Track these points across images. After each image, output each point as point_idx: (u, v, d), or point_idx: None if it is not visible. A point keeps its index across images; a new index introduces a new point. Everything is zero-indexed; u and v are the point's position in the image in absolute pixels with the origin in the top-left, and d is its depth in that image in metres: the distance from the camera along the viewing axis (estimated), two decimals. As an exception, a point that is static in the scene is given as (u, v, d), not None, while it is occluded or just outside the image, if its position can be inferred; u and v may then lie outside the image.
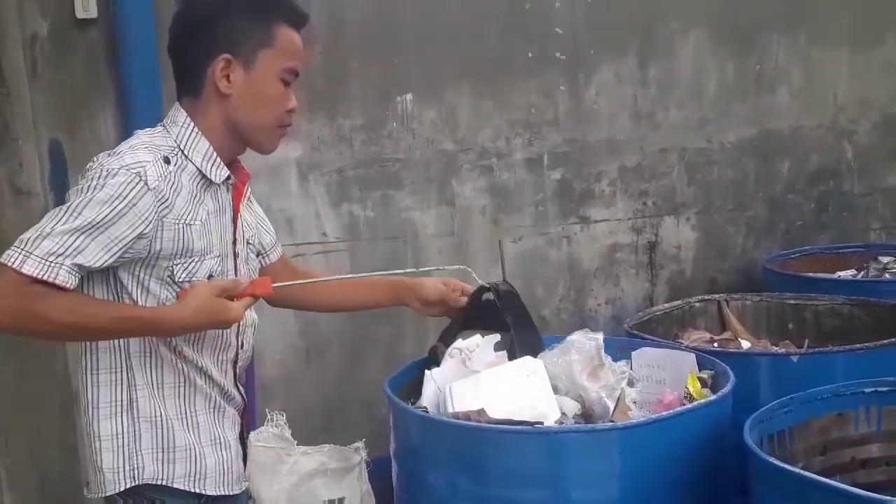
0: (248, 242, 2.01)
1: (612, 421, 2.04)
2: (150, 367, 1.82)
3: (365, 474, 2.57)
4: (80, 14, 2.86)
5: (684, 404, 2.12)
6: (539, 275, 3.55)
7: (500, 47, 3.42)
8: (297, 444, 2.54)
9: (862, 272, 3.65)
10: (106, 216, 1.67)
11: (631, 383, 2.22)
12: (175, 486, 1.83)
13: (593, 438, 1.95)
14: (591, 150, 3.59)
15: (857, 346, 2.52)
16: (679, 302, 3.21)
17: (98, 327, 1.72)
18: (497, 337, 2.23)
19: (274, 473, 2.14)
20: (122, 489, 1.81)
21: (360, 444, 2.60)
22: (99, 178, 1.70)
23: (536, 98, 3.48)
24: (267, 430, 2.21)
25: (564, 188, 3.56)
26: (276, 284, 1.91)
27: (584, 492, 1.94)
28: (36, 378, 2.96)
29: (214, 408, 1.90)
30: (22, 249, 1.64)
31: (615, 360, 2.29)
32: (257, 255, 2.10)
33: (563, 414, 2.04)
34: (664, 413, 2.04)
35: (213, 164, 1.84)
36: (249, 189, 2.03)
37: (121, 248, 1.70)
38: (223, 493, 1.89)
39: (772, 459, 1.77)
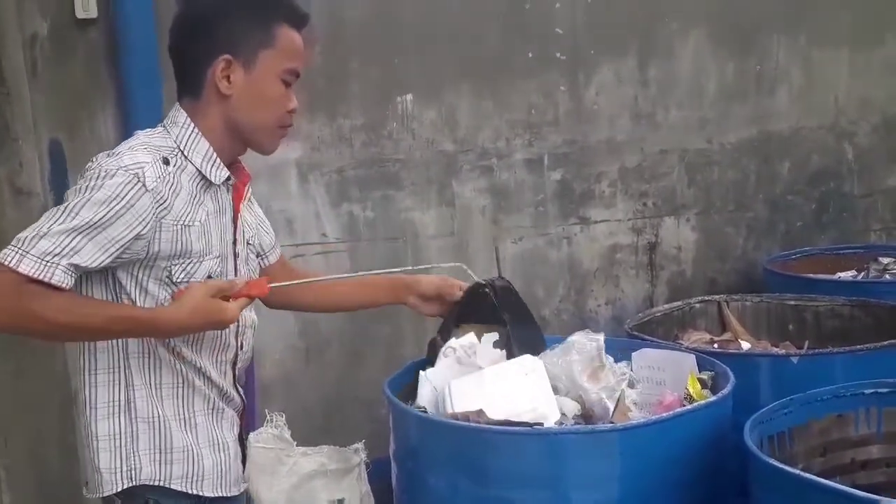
0: (248, 243, 2.01)
1: (611, 422, 2.04)
2: (149, 368, 1.82)
3: (364, 475, 2.57)
4: (80, 14, 2.86)
5: (684, 405, 2.12)
6: (539, 275, 3.55)
7: (500, 47, 3.42)
8: (297, 445, 2.54)
9: (862, 273, 3.64)
10: (103, 217, 1.67)
11: (631, 385, 2.22)
12: (172, 487, 1.83)
13: (593, 439, 1.95)
14: (592, 151, 3.59)
15: (858, 347, 2.52)
16: (679, 303, 3.20)
17: (93, 327, 1.72)
18: (496, 336, 2.22)
19: (273, 474, 2.13)
20: (119, 489, 1.81)
21: (359, 444, 2.60)
22: (97, 178, 1.70)
23: (536, 98, 3.48)
24: (266, 431, 2.20)
25: (564, 189, 3.56)
26: (271, 285, 1.91)
27: (583, 493, 1.93)
28: (35, 378, 2.96)
29: (213, 409, 1.90)
30: (19, 248, 1.64)
31: (616, 360, 2.29)
32: (257, 256, 2.10)
33: (563, 415, 2.04)
34: (664, 414, 2.04)
35: (212, 165, 1.84)
36: (250, 190, 2.03)
37: (118, 249, 1.70)
38: (221, 494, 1.89)
39: (772, 461, 1.77)
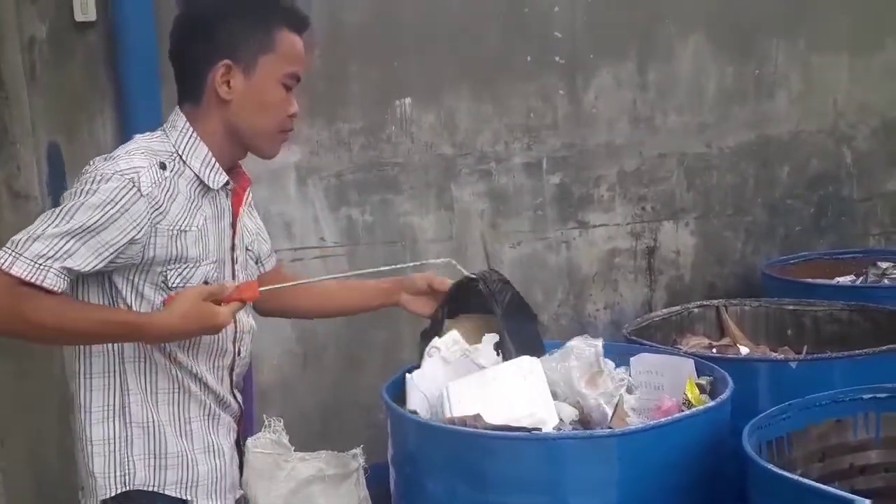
0: (247, 249, 2.00)
1: (610, 427, 2.03)
2: (144, 373, 1.82)
3: (363, 480, 2.56)
4: (78, 17, 2.86)
5: (683, 410, 2.12)
6: (538, 280, 3.55)
7: (499, 51, 3.42)
8: (295, 451, 2.53)
9: (861, 278, 3.64)
10: (97, 221, 1.67)
11: (630, 390, 2.22)
12: (167, 492, 1.83)
13: (591, 445, 1.95)
14: (590, 155, 3.59)
15: (856, 352, 2.51)
16: (678, 307, 3.20)
17: (85, 331, 1.72)
18: (496, 337, 2.21)
19: (271, 480, 2.12)
20: (113, 494, 1.81)
21: (357, 450, 2.58)
22: (92, 182, 1.70)
23: (535, 102, 3.48)
24: (264, 436, 2.19)
25: (563, 193, 3.56)
26: (262, 288, 1.91)
27: (582, 498, 1.93)
28: (34, 379, 2.96)
29: (209, 415, 1.90)
30: (12, 251, 1.65)
31: (615, 365, 2.28)
32: (255, 263, 2.09)
33: (561, 420, 2.03)
34: (662, 419, 2.04)
35: (211, 170, 1.84)
36: (251, 195, 2.02)
37: (111, 254, 1.69)
38: (216, 501, 1.89)
39: (770, 466, 1.77)
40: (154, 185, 1.73)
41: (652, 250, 3.72)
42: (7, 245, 1.66)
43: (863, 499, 1.55)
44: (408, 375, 2.20)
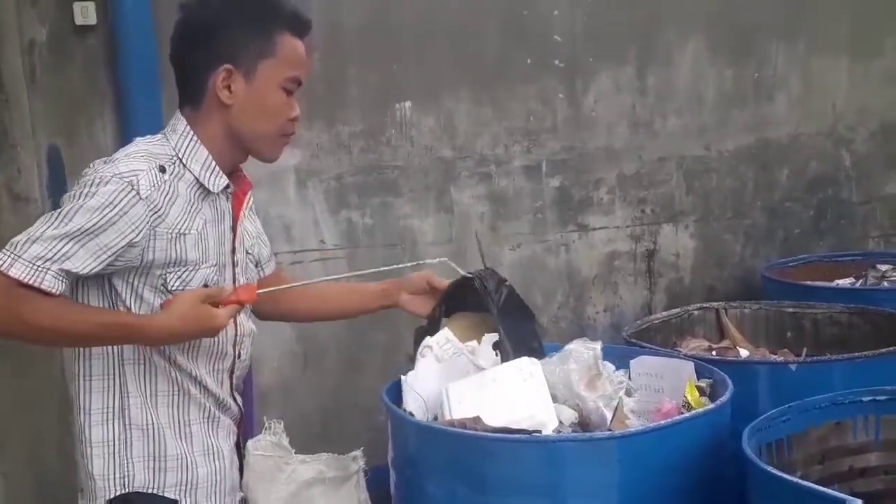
0: (247, 252, 2.00)
1: (609, 430, 2.03)
2: (144, 375, 1.82)
3: (363, 483, 2.56)
4: (78, 21, 2.86)
5: (682, 413, 2.12)
6: (537, 282, 3.55)
7: (498, 54, 3.42)
8: (295, 453, 2.53)
9: (860, 280, 3.65)
10: (96, 223, 1.67)
11: (629, 393, 2.22)
12: (166, 495, 1.83)
13: (591, 447, 1.95)
14: (590, 158, 3.59)
15: (856, 354, 2.51)
16: (677, 310, 3.20)
17: (82, 333, 1.72)
18: (495, 336, 2.21)
19: (272, 482, 2.12)
20: (112, 496, 1.82)
21: (358, 452, 2.58)
22: (91, 185, 1.70)
23: (535, 105, 3.48)
24: (265, 439, 2.19)
25: (563, 196, 3.56)
26: (260, 291, 1.91)
27: (581, 501, 1.93)
28: (33, 380, 2.96)
29: (208, 417, 1.90)
30: (11, 252, 1.65)
31: (614, 368, 2.29)
32: (255, 266, 2.09)
33: (560, 423, 2.03)
34: (662, 422, 2.03)
35: (211, 173, 1.84)
36: (252, 198, 2.02)
37: (109, 256, 1.69)
38: (215, 503, 1.89)
39: (770, 468, 1.77)
40: (153, 188, 1.73)
41: (651, 253, 3.72)
42: (6, 247, 1.66)
43: (854, 499, 1.55)
44: (402, 377, 2.20)
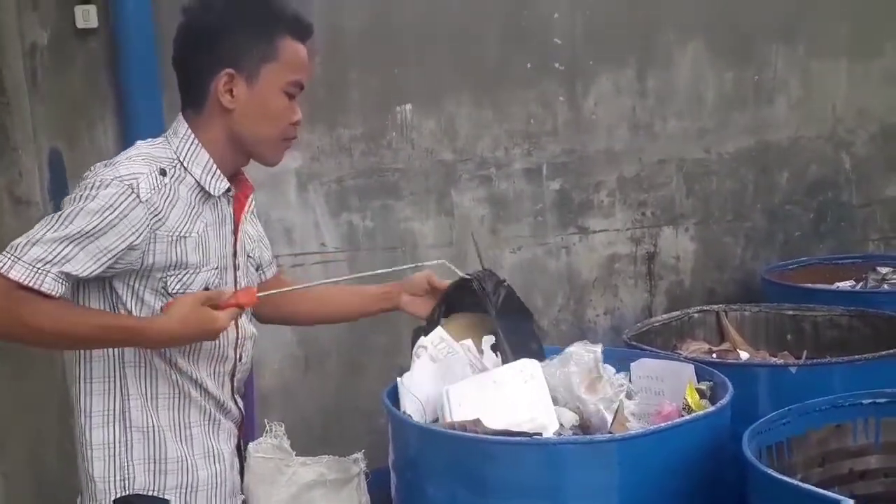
0: (249, 255, 2.00)
1: (610, 433, 2.04)
2: (144, 378, 1.82)
3: (364, 485, 2.56)
4: (80, 24, 2.87)
5: (683, 416, 2.12)
6: (538, 285, 3.55)
7: (499, 57, 3.43)
8: (296, 455, 2.53)
9: (860, 283, 3.65)
10: (96, 226, 1.67)
11: (629, 395, 2.22)
12: (166, 497, 1.83)
13: (591, 450, 1.95)
14: (590, 161, 3.59)
15: (856, 357, 2.52)
16: (678, 313, 3.20)
17: (82, 336, 1.73)
18: (493, 339, 2.22)
19: (273, 484, 2.12)
20: (112, 499, 1.81)
21: (358, 455, 2.58)
22: (92, 188, 1.70)
23: (535, 108, 3.49)
24: (266, 441, 2.19)
25: (563, 198, 3.57)
26: (260, 294, 1.91)
27: (582, 503, 1.93)
28: (33, 381, 2.96)
29: (209, 420, 1.90)
30: (11, 255, 1.65)
31: (615, 371, 2.29)
32: (256, 269, 2.09)
33: (561, 425, 2.04)
34: (662, 424, 2.04)
35: (212, 177, 1.84)
36: (253, 202, 2.02)
37: (109, 259, 1.70)
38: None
39: (770, 471, 1.77)
40: (153, 191, 1.73)
41: (652, 256, 3.72)
42: (6, 249, 1.66)
43: (847, 499, 1.55)
44: (399, 379, 2.20)
